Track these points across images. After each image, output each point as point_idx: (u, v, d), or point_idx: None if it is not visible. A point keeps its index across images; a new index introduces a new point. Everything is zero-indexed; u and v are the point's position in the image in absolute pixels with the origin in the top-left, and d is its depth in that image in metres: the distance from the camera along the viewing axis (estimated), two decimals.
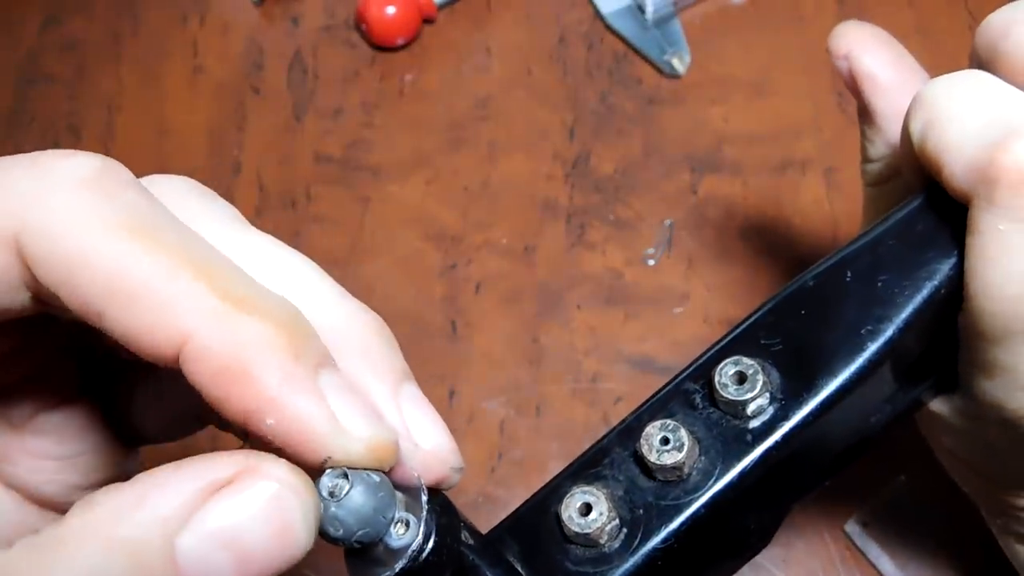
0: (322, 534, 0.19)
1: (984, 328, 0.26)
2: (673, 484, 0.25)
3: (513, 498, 0.45)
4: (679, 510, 0.25)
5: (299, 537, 0.18)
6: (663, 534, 0.25)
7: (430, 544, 0.20)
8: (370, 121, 0.57)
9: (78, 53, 0.61)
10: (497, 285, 0.51)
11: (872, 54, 0.33)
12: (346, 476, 0.19)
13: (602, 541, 0.25)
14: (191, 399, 0.25)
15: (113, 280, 0.19)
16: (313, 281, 0.22)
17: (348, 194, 0.55)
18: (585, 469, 0.26)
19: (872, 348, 0.26)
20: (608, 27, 0.58)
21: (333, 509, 0.19)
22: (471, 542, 0.22)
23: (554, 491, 0.26)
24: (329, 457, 0.19)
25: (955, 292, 0.27)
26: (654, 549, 0.25)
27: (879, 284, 0.27)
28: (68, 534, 0.18)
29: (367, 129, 0.57)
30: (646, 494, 0.25)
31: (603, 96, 0.56)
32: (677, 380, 0.27)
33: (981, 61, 0.29)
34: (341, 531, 0.19)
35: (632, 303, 0.50)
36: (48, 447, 0.24)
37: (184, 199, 0.22)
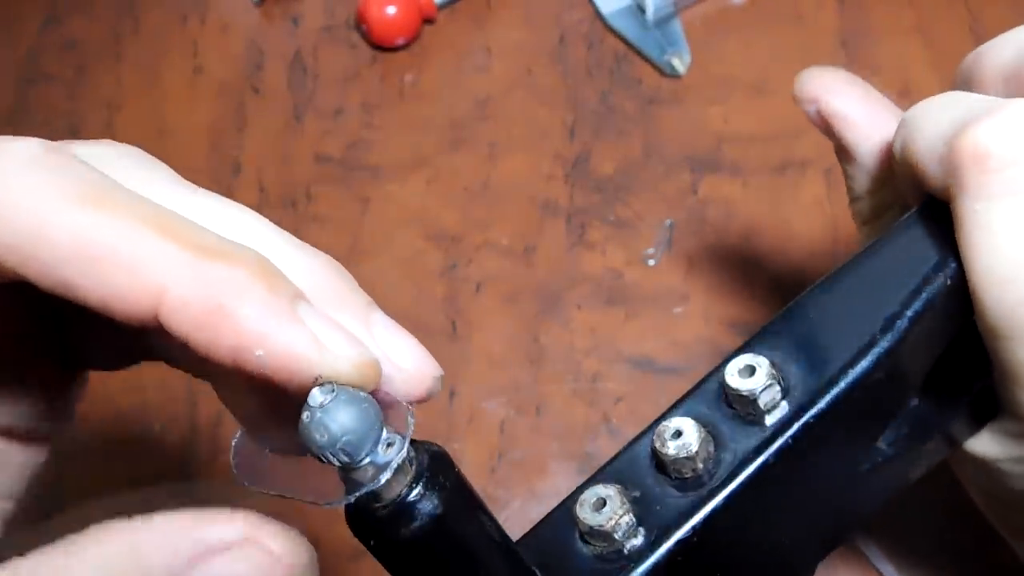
0: (309, 444, 0.19)
1: (992, 325, 0.26)
2: (690, 480, 0.25)
3: (513, 498, 0.45)
4: (697, 506, 0.25)
5: None
6: (682, 531, 0.24)
7: (419, 486, 0.20)
8: (370, 121, 0.57)
9: (78, 53, 0.61)
10: (497, 285, 0.51)
11: (839, 94, 0.34)
12: (333, 389, 0.20)
13: (617, 536, 0.25)
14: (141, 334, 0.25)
15: (78, 250, 0.19)
16: (265, 232, 0.23)
17: (348, 194, 0.55)
18: (601, 474, 0.27)
19: (884, 341, 0.26)
20: (608, 27, 0.58)
21: (319, 415, 0.19)
22: (496, 537, 0.23)
23: (571, 497, 0.26)
24: (319, 376, 0.20)
25: (965, 290, 0.27)
26: (675, 545, 0.24)
27: (887, 284, 0.27)
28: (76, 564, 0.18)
29: (367, 129, 0.57)
30: (663, 492, 0.25)
31: (603, 96, 0.56)
32: (689, 390, 0.27)
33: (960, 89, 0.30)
34: (326, 437, 0.19)
35: (632, 303, 0.50)
36: None
37: (124, 166, 0.22)
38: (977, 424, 0.30)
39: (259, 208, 0.58)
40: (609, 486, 0.25)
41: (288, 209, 0.54)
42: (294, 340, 0.20)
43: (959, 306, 0.27)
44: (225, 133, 0.57)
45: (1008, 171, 0.25)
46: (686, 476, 0.25)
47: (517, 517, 0.45)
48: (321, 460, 0.20)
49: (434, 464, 0.21)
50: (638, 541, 0.25)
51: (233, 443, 0.22)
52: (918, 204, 0.29)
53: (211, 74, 0.59)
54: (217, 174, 0.56)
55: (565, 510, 0.26)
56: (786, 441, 0.25)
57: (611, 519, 0.24)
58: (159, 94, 0.59)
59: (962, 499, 0.34)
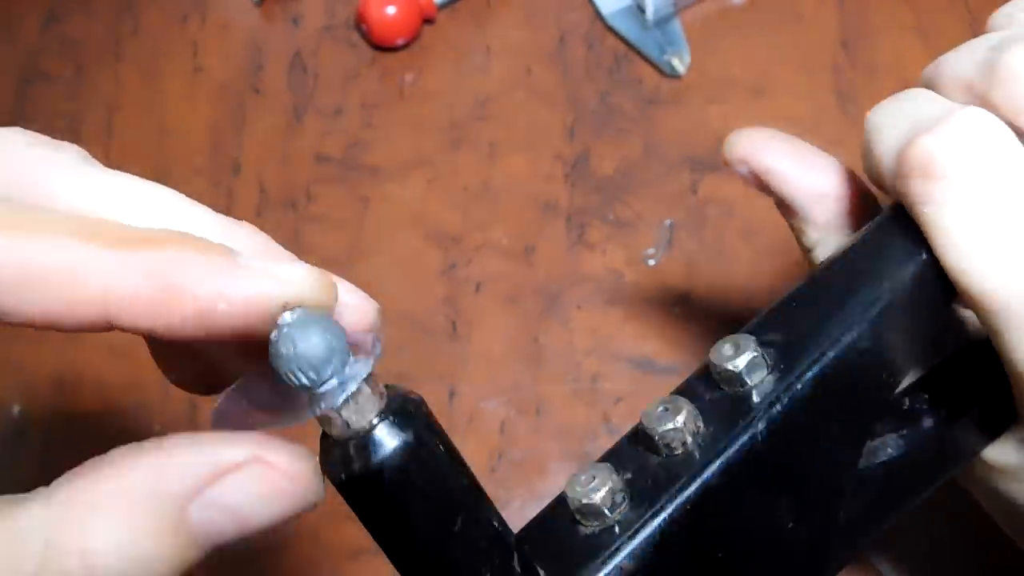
0: (276, 361, 0.20)
1: (984, 321, 0.27)
2: (680, 456, 0.25)
3: (513, 498, 0.45)
4: (688, 480, 0.25)
5: (301, 507, 0.20)
6: (673, 506, 0.25)
7: (388, 418, 0.21)
8: (370, 121, 0.57)
9: (78, 53, 0.61)
10: (497, 285, 0.51)
11: (767, 151, 0.34)
12: (298, 311, 0.20)
13: (608, 512, 0.25)
14: None
15: (8, 279, 0.19)
16: (183, 206, 0.23)
17: (348, 194, 0.55)
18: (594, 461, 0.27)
19: (866, 319, 0.27)
20: (608, 27, 0.58)
21: (286, 331, 0.20)
22: (502, 531, 0.23)
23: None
24: (285, 303, 0.20)
25: (937, 276, 0.27)
26: (667, 520, 0.24)
27: (869, 271, 0.28)
28: (103, 488, 0.19)
29: (367, 129, 0.57)
30: (654, 469, 0.25)
31: (603, 96, 0.56)
32: (679, 384, 0.27)
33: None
34: (292, 350, 0.20)
35: (632, 303, 0.50)
36: None
37: (31, 156, 0.22)
38: (990, 435, 0.30)
39: (259, 208, 0.58)
40: (600, 466, 0.25)
41: (288, 209, 0.54)
42: (251, 281, 0.20)
43: (935, 292, 0.28)
44: (225, 133, 0.57)
45: (949, 179, 0.26)
46: (676, 452, 0.25)
47: (517, 517, 0.44)
48: (289, 381, 0.20)
49: (406, 403, 0.21)
50: (630, 518, 0.25)
51: (211, 413, 0.22)
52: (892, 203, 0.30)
53: (211, 74, 0.59)
54: (217, 174, 0.56)
55: (558, 498, 0.26)
56: (774, 414, 0.25)
57: (599, 492, 0.25)
58: (159, 94, 0.59)
59: (963, 500, 0.34)
